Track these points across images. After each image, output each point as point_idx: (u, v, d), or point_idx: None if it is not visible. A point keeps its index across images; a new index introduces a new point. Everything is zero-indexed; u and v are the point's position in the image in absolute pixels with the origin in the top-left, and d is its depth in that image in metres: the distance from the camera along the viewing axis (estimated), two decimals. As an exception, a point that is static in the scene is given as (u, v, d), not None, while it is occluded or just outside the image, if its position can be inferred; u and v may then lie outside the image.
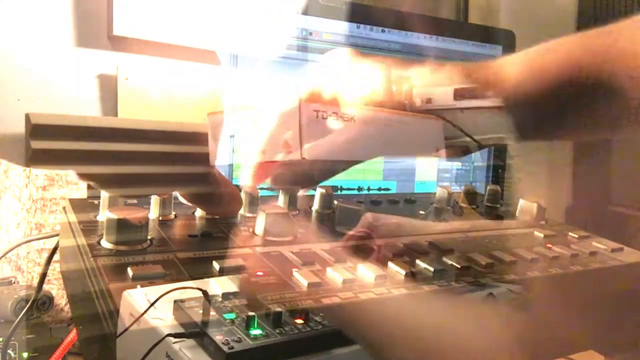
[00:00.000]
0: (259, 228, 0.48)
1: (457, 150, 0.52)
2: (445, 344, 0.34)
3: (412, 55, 0.85)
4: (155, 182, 0.51)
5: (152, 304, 0.33)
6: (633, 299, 0.47)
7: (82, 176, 0.44)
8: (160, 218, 0.51)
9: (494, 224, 0.61)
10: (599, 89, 0.34)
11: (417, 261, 0.44)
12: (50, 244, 0.63)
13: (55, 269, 0.64)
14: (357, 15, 0.79)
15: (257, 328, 0.32)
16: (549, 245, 0.52)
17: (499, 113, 0.53)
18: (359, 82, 0.52)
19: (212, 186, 0.51)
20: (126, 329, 0.34)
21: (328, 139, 0.50)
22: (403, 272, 0.41)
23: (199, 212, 0.53)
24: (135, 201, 0.53)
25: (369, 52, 0.81)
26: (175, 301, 0.33)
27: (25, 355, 0.62)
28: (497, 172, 0.92)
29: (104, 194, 0.49)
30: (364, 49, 0.80)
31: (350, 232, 0.47)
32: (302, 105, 0.51)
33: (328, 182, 0.57)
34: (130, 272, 0.38)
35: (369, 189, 0.78)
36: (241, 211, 0.53)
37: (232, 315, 0.33)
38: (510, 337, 0.34)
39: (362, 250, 0.45)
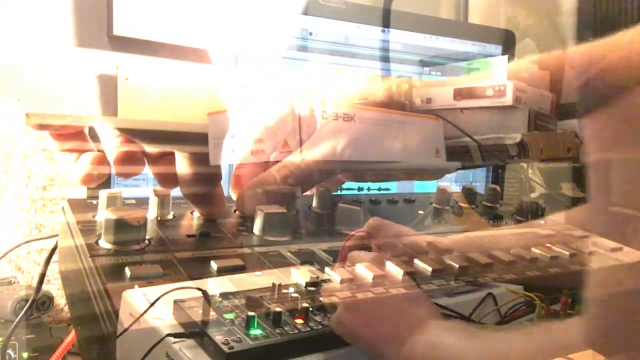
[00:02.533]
0: (257, 228, 0.48)
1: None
2: None
3: (412, 55, 0.85)
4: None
5: (152, 304, 0.33)
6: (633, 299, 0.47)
7: None
8: (159, 218, 0.51)
9: (493, 224, 0.61)
10: None
11: (416, 261, 0.44)
12: (50, 244, 0.63)
13: (55, 269, 0.64)
14: (357, 15, 0.79)
15: (257, 328, 0.32)
16: (549, 245, 0.52)
17: (499, 113, 0.53)
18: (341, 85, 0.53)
19: (213, 186, 0.51)
20: (126, 329, 0.34)
21: (327, 140, 0.50)
22: (401, 271, 0.41)
23: (197, 212, 0.53)
24: (133, 201, 0.54)
25: (369, 52, 0.80)
26: (174, 301, 0.33)
27: (25, 355, 0.62)
28: (497, 172, 0.92)
29: (103, 194, 0.50)
30: (364, 49, 0.80)
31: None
32: (302, 107, 0.51)
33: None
34: (128, 272, 0.38)
35: (368, 189, 0.78)
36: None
37: (232, 315, 0.33)
38: None
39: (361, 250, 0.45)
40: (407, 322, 0.33)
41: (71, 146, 0.47)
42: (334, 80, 0.55)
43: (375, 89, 0.56)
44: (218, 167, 0.49)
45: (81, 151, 0.47)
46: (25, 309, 0.60)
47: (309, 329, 0.33)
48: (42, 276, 0.59)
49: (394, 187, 0.84)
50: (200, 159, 0.48)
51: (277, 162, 0.51)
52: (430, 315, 0.35)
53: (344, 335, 0.33)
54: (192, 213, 0.53)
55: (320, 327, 0.34)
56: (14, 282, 0.70)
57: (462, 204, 0.65)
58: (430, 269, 0.42)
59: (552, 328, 0.34)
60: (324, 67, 0.69)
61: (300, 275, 0.39)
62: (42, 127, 0.44)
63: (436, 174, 0.59)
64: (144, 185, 0.67)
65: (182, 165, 0.48)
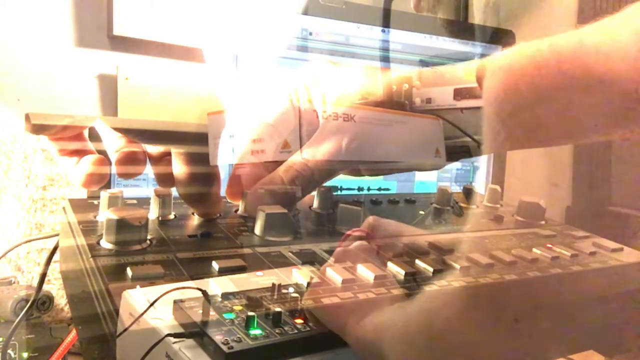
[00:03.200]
0: (259, 228, 0.48)
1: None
2: None
3: (412, 55, 0.85)
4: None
5: (152, 304, 0.33)
6: (633, 299, 0.47)
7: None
8: (160, 218, 0.51)
9: (493, 224, 0.61)
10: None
11: (417, 261, 0.44)
12: (50, 244, 0.63)
13: (55, 269, 0.64)
14: (357, 15, 0.79)
15: (257, 328, 0.32)
16: (549, 245, 0.52)
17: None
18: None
19: (211, 186, 0.51)
20: (126, 329, 0.34)
21: (328, 140, 0.50)
22: (403, 272, 0.41)
23: (196, 213, 0.53)
24: (134, 201, 0.54)
25: (369, 52, 0.81)
26: (175, 301, 0.33)
27: (25, 355, 0.62)
28: (497, 172, 0.92)
29: (104, 194, 0.50)
30: (364, 49, 0.80)
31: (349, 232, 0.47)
32: (302, 105, 0.51)
33: (327, 182, 0.57)
34: (129, 272, 0.38)
35: (369, 189, 0.78)
36: (241, 211, 0.54)
37: (232, 315, 0.33)
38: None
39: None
40: (370, 303, 0.36)
41: (71, 149, 0.47)
42: (333, 76, 0.55)
43: (375, 88, 0.56)
44: (215, 166, 0.49)
45: (81, 154, 0.47)
46: (25, 309, 0.60)
47: (309, 329, 0.33)
48: (43, 276, 0.60)
49: (394, 187, 0.84)
50: (196, 159, 0.48)
51: (278, 162, 0.51)
52: (392, 299, 0.38)
53: (316, 313, 0.35)
54: (193, 213, 0.53)
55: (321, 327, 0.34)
56: (14, 282, 0.70)
57: (462, 204, 0.65)
58: (431, 269, 0.43)
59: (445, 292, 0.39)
60: (322, 63, 0.69)
61: (301, 275, 0.39)
62: (41, 131, 0.44)
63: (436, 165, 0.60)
64: (144, 185, 0.67)
65: (178, 164, 0.48)
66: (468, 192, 0.68)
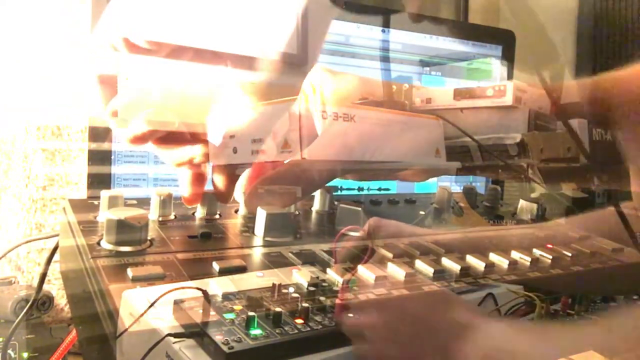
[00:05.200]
0: (259, 228, 0.48)
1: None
2: None
3: (412, 55, 0.85)
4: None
5: (152, 304, 0.33)
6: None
7: None
8: (160, 219, 0.51)
9: (493, 225, 0.61)
10: None
11: (417, 262, 0.44)
12: (50, 244, 0.63)
13: (55, 269, 0.64)
14: (357, 15, 0.79)
15: (257, 328, 0.32)
16: (549, 245, 0.52)
17: (499, 113, 0.53)
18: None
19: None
20: (126, 329, 0.34)
21: (328, 139, 0.50)
22: (403, 272, 0.41)
23: (199, 213, 0.53)
24: (135, 202, 0.54)
25: (369, 52, 0.80)
26: (175, 301, 0.33)
27: (25, 355, 0.62)
28: (497, 172, 0.91)
29: (104, 195, 0.50)
30: (364, 49, 0.80)
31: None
32: (302, 105, 0.51)
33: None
34: (130, 272, 0.38)
35: (369, 189, 0.78)
36: (241, 211, 0.54)
37: (232, 315, 0.33)
38: None
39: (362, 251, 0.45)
40: (449, 327, 0.29)
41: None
42: (331, 80, 0.56)
43: (375, 89, 0.56)
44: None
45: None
46: (25, 309, 0.60)
47: (309, 329, 0.33)
48: (43, 276, 0.59)
49: (394, 187, 0.84)
50: None
51: (278, 162, 0.51)
52: (474, 316, 0.30)
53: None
54: (193, 214, 0.53)
55: (321, 327, 0.34)
56: (14, 282, 0.70)
57: (462, 204, 0.65)
58: (431, 270, 0.43)
59: (633, 314, 0.31)
60: (320, 68, 0.69)
61: (301, 276, 0.39)
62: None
63: (431, 172, 0.60)
64: (145, 186, 0.67)
65: None
66: (468, 192, 0.68)
